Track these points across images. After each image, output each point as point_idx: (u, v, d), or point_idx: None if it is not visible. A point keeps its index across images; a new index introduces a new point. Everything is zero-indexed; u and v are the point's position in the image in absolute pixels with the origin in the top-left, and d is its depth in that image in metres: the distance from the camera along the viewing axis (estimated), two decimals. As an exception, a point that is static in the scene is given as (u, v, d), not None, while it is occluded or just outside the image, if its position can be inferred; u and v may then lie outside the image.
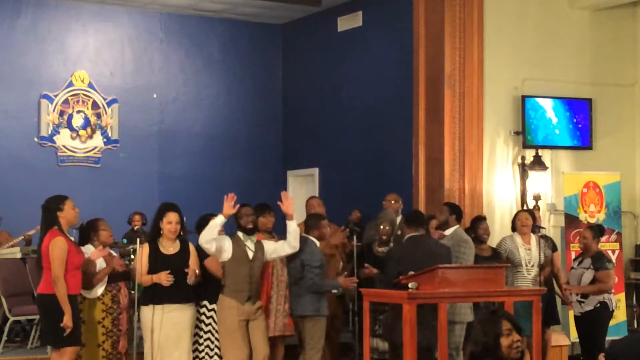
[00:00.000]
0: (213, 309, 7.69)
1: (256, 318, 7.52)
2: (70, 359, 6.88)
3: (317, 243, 7.98)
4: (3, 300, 9.23)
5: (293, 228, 7.61)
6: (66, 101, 13.23)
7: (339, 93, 13.56)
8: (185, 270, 7.34)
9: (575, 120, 10.76)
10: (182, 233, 7.51)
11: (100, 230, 7.47)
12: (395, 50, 12.40)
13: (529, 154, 10.39)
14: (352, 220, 11.65)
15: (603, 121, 10.93)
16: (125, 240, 9.72)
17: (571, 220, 10.30)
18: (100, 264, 7.35)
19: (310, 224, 8.10)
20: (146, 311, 7.35)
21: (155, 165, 13.72)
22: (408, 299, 7.12)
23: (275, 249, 7.65)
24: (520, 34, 10.52)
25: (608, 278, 8.62)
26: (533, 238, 8.77)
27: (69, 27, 13.34)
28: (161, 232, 7.43)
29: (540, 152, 10.40)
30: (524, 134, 10.41)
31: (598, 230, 9.00)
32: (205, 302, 7.71)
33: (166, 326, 7.30)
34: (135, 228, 11.09)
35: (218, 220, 7.30)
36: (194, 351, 7.59)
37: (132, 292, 7.80)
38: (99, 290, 7.35)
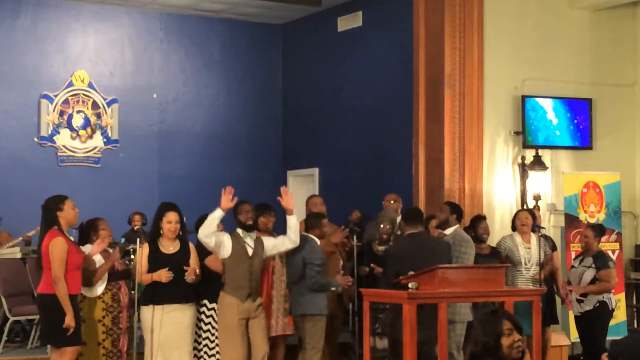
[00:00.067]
0: (213, 308, 7.69)
1: (257, 316, 7.51)
2: (71, 359, 6.89)
3: (318, 241, 7.99)
4: (3, 300, 9.23)
5: (293, 223, 7.61)
6: (66, 101, 13.22)
7: (339, 93, 13.55)
8: (185, 268, 7.34)
9: (575, 120, 10.76)
10: (182, 233, 7.51)
11: (100, 230, 7.48)
12: (395, 50, 12.39)
13: (529, 154, 10.39)
14: (352, 220, 11.64)
15: (603, 121, 10.93)
16: (123, 240, 9.72)
17: (571, 220, 10.31)
18: (99, 261, 7.35)
19: (310, 222, 8.11)
20: (146, 311, 7.35)
21: (155, 165, 13.72)
22: (408, 299, 7.11)
23: (275, 244, 7.65)
24: (520, 34, 10.52)
25: (610, 277, 8.62)
26: (533, 237, 8.78)
27: (69, 27, 13.33)
28: (161, 231, 7.43)
29: (540, 152, 10.40)
30: (524, 134, 10.41)
31: (599, 230, 9.01)
32: (205, 301, 7.71)
33: (166, 326, 7.30)
34: (135, 228, 11.08)
35: (216, 214, 7.29)
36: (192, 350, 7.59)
37: (132, 292, 7.80)
38: (99, 288, 7.35)
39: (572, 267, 9.00)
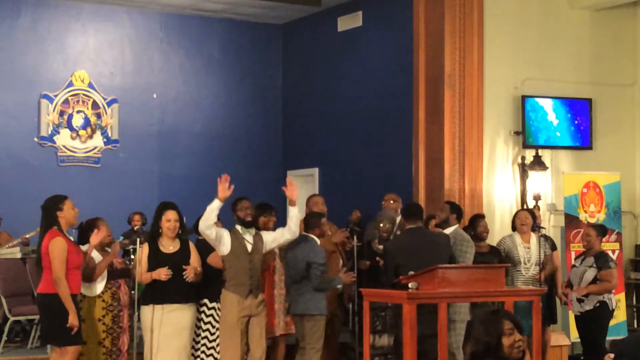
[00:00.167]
0: (213, 308, 7.69)
1: (258, 314, 7.49)
2: (72, 358, 6.88)
3: (318, 241, 7.98)
4: (3, 300, 9.23)
5: (294, 213, 7.60)
6: (66, 101, 13.23)
7: (339, 93, 13.56)
8: (184, 267, 7.33)
9: (575, 120, 10.76)
10: (181, 232, 7.51)
11: (100, 227, 7.46)
12: (395, 50, 12.40)
13: (529, 154, 10.39)
14: (352, 220, 11.65)
15: (603, 121, 10.93)
16: (122, 237, 9.71)
17: (571, 220, 10.31)
18: (97, 258, 7.34)
19: (310, 222, 8.09)
20: (146, 311, 7.34)
21: (155, 165, 13.72)
22: (408, 299, 7.11)
23: (274, 237, 7.64)
24: (520, 34, 10.52)
25: (612, 277, 8.61)
26: (533, 237, 8.78)
27: (69, 27, 13.34)
28: (161, 231, 7.43)
29: (540, 152, 10.40)
30: (524, 134, 10.41)
31: (602, 230, 9.00)
32: (206, 301, 7.71)
33: (166, 326, 7.29)
34: (135, 228, 11.09)
35: (214, 205, 7.25)
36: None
37: (132, 292, 7.80)
38: (99, 287, 7.34)
39: (573, 266, 8.99)
